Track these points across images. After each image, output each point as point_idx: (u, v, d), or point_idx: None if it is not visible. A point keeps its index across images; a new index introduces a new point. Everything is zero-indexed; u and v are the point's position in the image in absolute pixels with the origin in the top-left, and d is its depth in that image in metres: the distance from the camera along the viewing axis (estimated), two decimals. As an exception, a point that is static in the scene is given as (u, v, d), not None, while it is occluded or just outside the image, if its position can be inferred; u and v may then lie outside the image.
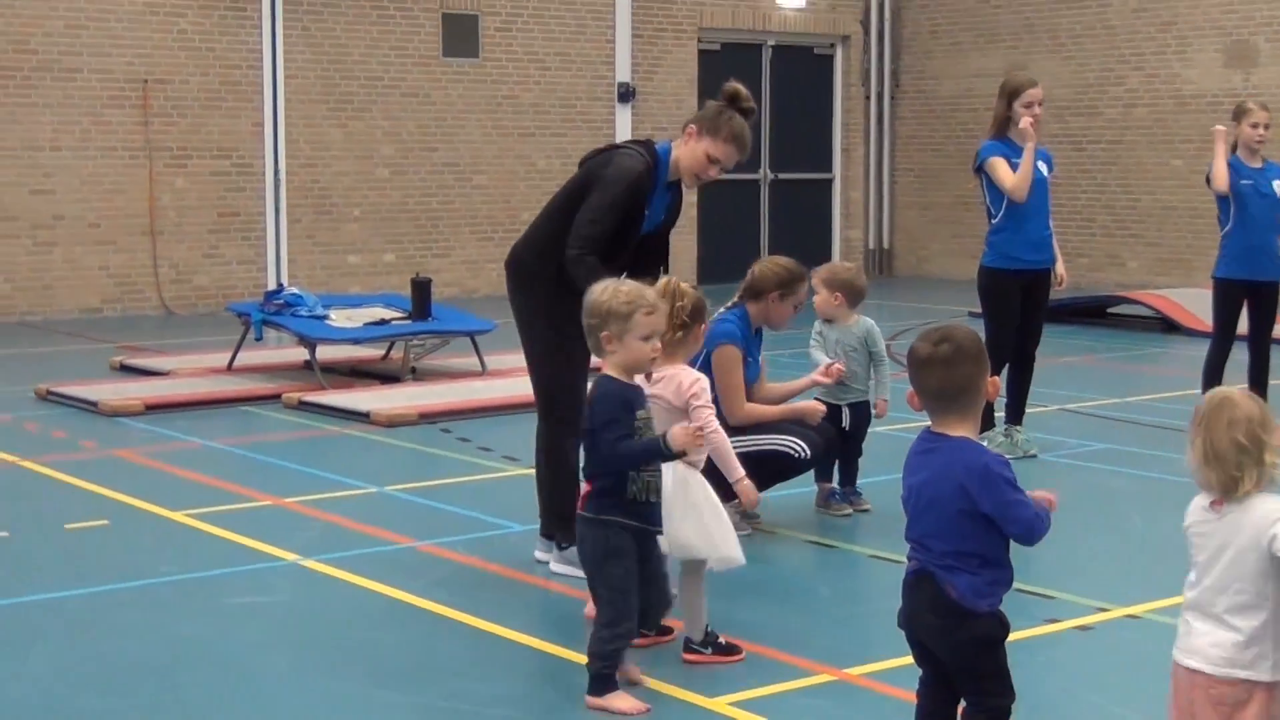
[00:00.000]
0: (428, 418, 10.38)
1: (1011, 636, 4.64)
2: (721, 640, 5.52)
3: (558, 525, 6.53)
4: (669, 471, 5.31)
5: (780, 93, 20.77)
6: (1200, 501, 4.02)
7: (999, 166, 8.84)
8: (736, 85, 6.83)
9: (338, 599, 6.39)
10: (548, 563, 6.65)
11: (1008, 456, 8.21)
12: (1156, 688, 5.44)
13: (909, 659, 4.36)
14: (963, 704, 4.28)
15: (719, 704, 5.04)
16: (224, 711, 5.10)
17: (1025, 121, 8.73)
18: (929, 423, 4.25)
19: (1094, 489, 8.37)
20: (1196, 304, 15.37)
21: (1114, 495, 8.31)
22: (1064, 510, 6.94)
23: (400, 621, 6.07)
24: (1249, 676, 3.77)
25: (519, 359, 12.50)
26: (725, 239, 20.26)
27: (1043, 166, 9.02)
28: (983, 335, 8.50)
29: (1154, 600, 6.31)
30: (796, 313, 7.52)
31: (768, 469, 7.03)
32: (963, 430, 4.18)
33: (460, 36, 18.52)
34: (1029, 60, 19.61)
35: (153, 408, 10.71)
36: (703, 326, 5.92)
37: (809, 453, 7.23)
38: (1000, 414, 9.03)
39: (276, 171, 17.49)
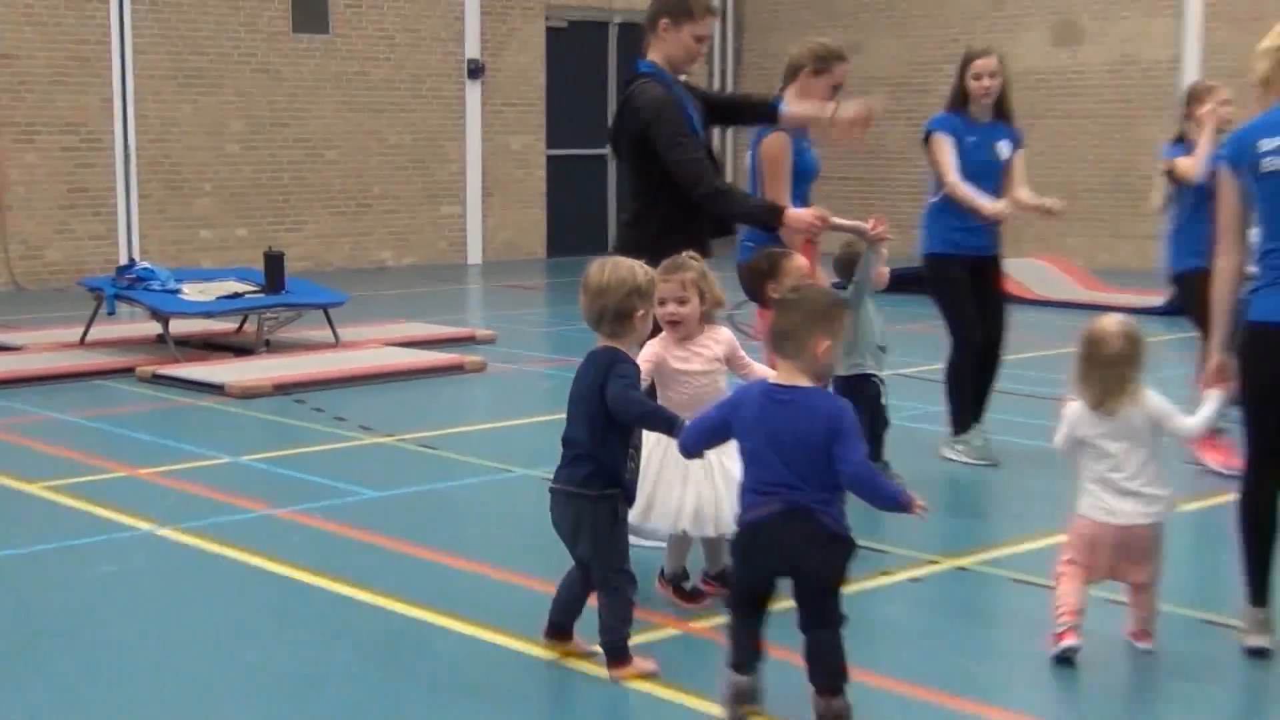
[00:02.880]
0: (282, 389, 10.33)
1: (848, 588, 4.82)
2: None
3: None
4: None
5: (627, 70, 20.70)
6: None
7: (939, 148, 8.24)
8: None
9: (195, 566, 6.38)
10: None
11: (969, 461, 8.24)
12: (985, 634, 5.66)
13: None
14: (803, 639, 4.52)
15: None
16: (87, 681, 5.07)
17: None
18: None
19: (925, 448, 8.46)
20: (1025, 274, 15.72)
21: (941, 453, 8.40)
22: (906, 472, 7.16)
23: (259, 586, 6.09)
24: None
25: (371, 330, 12.64)
26: (574, 213, 20.40)
27: (1004, 147, 8.43)
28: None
29: (981, 552, 6.52)
30: (836, 95, 7.32)
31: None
32: (808, 381, 4.45)
33: (310, 12, 18.33)
34: (866, 39, 19.90)
35: (4, 382, 10.55)
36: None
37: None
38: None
39: (126, 147, 17.23)
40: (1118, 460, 5.01)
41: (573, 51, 20.58)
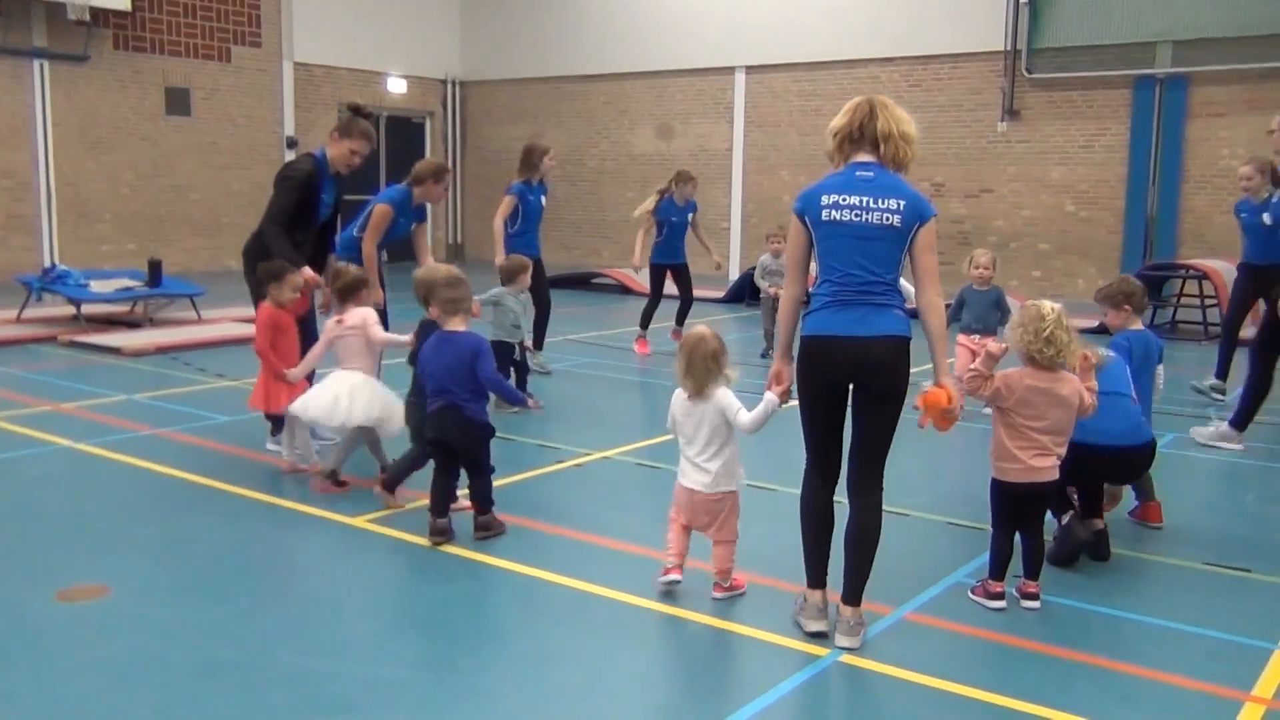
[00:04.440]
0: (162, 350, 9.65)
1: (535, 471, 4.76)
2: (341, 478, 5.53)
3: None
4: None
5: (392, 148, 20.15)
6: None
7: (509, 202, 8.44)
8: (355, 101, 6.40)
9: (101, 469, 5.91)
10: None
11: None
12: (620, 496, 5.69)
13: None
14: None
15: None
16: (21, 541, 4.64)
17: None
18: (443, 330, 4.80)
19: (587, 382, 8.50)
20: (640, 276, 15.92)
21: (595, 385, 8.43)
22: (567, 399, 7.12)
23: (146, 482, 5.67)
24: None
25: (223, 310, 11.94)
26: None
27: (545, 199, 8.62)
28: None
29: (617, 449, 6.52)
30: (444, 195, 7.08)
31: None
32: (464, 327, 4.80)
33: (178, 102, 17.12)
34: (544, 131, 19.77)
35: (-39, 347, 9.57)
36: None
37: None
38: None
39: (48, 188, 15.74)
40: (691, 438, 4.09)
41: (356, 133, 19.77)
